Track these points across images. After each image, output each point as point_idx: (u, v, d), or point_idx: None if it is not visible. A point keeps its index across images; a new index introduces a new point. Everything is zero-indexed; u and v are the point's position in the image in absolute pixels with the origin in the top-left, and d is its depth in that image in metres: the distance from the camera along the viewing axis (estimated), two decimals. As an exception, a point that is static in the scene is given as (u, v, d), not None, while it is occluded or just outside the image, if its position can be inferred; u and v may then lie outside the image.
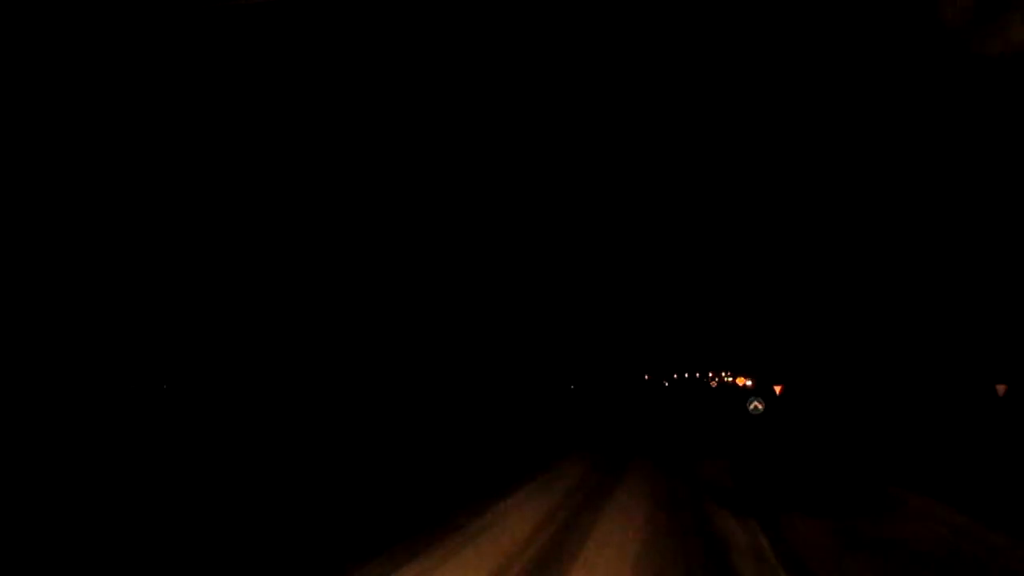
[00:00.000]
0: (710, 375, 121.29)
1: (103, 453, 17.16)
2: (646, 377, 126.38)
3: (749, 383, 39.00)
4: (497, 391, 61.96)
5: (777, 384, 45.32)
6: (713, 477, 14.75)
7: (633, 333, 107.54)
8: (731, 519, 10.36)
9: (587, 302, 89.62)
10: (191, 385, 43.88)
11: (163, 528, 9.47)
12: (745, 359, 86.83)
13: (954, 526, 10.11)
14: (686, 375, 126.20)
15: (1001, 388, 25.85)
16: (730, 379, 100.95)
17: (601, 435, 25.47)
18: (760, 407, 24.13)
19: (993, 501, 11.63)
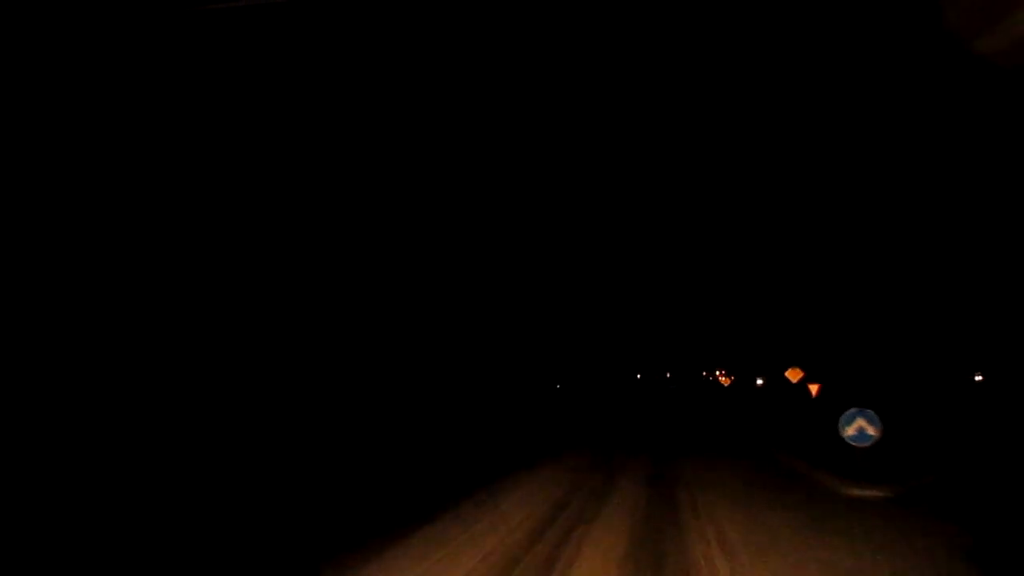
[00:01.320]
0: (704, 372, 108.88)
1: (76, 453, 15.80)
2: (638, 376, 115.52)
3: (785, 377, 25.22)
4: (464, 388, 54.44)
5: (813, 383, 31.51)
6: None
7: (622, 331, 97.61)
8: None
9: (574, 298, 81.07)
10: (175, 386, 38.63)
11: (140, 525, 8.63)
12: (741, 356, 75.26)
13: None
14: (672, 374, 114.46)
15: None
16: (725, 377, 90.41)
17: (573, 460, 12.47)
18: (874, 432, 10.75)
19: None
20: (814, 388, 31.61)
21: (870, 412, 11.30)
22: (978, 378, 60.38)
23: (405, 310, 60.11)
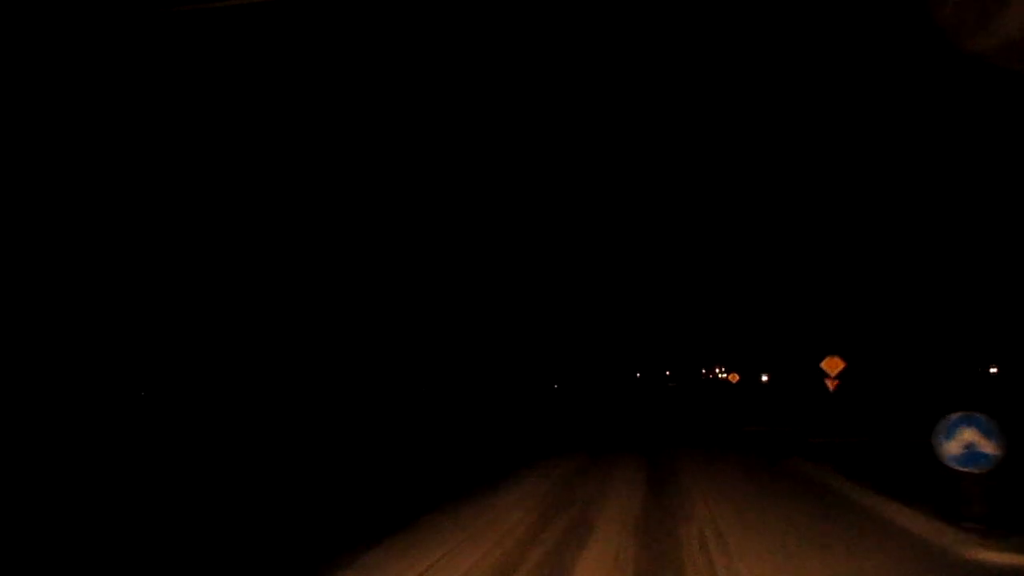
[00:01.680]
0: (703, 370, 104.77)
1: (77, 452, 16.55)
2: (637, 375, 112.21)
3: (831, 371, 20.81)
4: (460, 388, 53.12)
5: (833, 379, 27.46)
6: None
7: (622, 331, 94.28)
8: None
9: (573, 298, 78.40)
10: (170, 392, 40.25)
11: (134, 529, 8.33)
12: (742, 353, 71.02)
13: None
14: (671, 372, 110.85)
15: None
16: (732, 374, 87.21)
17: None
18: (994, 449, 6.52)
19: None
20: (832, 383, 27.47)
21: (982, 419, 7.12)
22: (993, 370, 57.11)
23: (402, 309, 57.58)
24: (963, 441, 7.11)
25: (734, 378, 44.99)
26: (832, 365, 19.68)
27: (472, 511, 8.68)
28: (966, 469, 7.11)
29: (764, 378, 56.17)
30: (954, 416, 7.19)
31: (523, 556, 6.36)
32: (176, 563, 6.69)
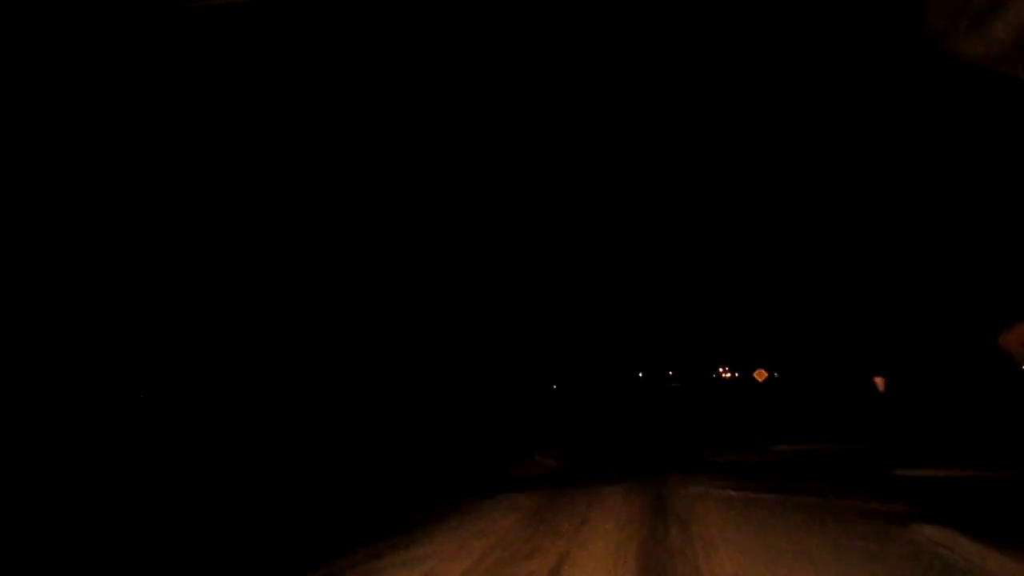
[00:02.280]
0: (709, 371, 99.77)
1: (75, 452, 16.72)
2: (640, 375, 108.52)
3: None
4: (456, 389, 53.34)
5: (878, 375, 22.36)
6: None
7: (619, 328, 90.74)
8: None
9: (569, 294, 75.82)
10: (169, 394, 40.16)
11: (133, 530, 8.47)
12: (740, 346, 65.99)
13: None
14: (674, 372, 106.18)
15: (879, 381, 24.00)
16: (728, 373, 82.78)
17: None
18: None
19: None
20: (880, 381, 21.65)
21: None
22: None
23: (400, 308, 55.31)
24: None
25: (761, 375, 38.46)
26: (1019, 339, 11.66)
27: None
28: None
29: (773, 375, 50.18)
30: None
31: None
32: (175, 563, 6.70)
